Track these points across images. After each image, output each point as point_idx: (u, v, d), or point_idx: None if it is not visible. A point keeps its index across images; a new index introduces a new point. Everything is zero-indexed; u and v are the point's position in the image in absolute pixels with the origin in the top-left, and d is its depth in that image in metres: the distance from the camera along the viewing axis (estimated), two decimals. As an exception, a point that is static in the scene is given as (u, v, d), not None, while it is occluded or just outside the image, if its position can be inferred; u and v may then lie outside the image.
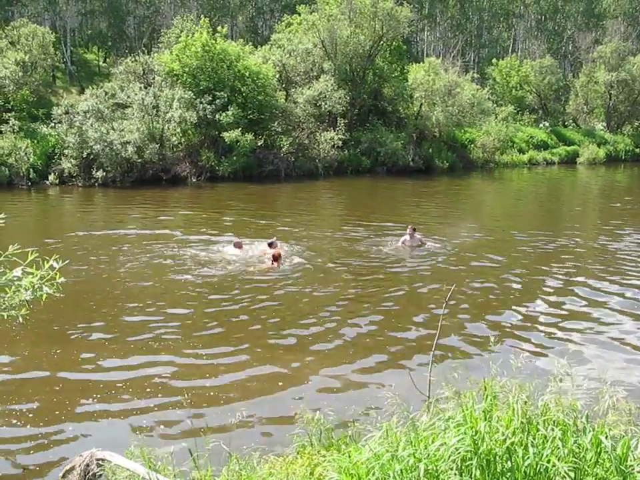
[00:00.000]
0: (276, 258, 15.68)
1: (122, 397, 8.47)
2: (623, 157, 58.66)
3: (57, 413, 8.06)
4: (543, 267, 16.14)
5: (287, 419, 7.60)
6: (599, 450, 4.20)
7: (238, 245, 17.00)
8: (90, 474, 5.46)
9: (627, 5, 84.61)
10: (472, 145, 47.86)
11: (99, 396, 8.49)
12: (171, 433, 7.43)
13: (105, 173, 31.41)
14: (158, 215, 23.94)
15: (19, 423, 7.77)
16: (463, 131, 48.84)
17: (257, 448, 5.79)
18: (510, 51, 77.93)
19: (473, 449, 4.05)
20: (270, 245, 16.96)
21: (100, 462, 5.35)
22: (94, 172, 31.37)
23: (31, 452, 7.18)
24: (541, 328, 11.55)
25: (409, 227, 17.97)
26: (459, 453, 4.05)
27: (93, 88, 35.92)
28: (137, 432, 5.81)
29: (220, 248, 17.39)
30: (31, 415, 7.97)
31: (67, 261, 5.41)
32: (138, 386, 8.81)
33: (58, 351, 9.99)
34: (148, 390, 8.71)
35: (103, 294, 13.33)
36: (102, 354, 9.92)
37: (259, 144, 36.09)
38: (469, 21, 78.42)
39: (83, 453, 5.56)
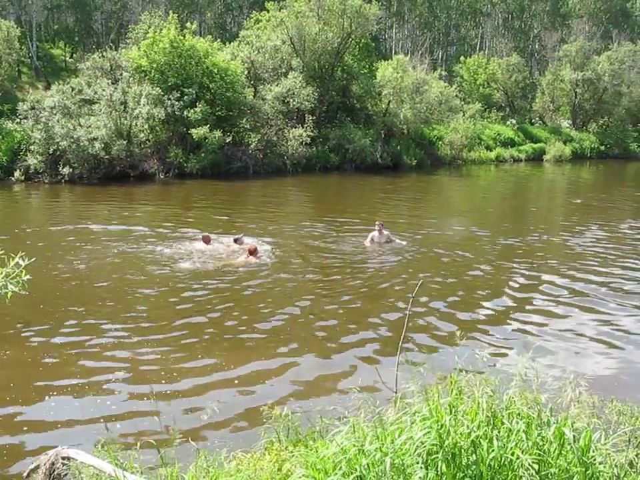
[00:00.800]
0: (252, 252, 15.64)
1: (86, 396, 8.37)
2: (589, 155, 59.46)
3: (18, 413, 7.95)
4: (508, 263, 16.31)
5: (255, 415, 7.60)
6: (561, 442, 4.27)
7: (206, 240, 16.91)
8: (55, 473, 5.40)
9: (592, 6, 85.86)
10: (440, 142, 48.14)
11: (62, 395, 8.39)
12: (138, 430, 7.38)
13: (71, 170, 31.00)
14: (125, 211, 23.76)
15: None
16: (430, 128, 49.11)
17: (225, 444, 5.78)
18: (477, 48, 78.60)
19: (438, 443, 4.09)
20: (235, 240, 16.93)
21: (65, 460, 5.30)
22: (60, 168, 30.96)
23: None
24: (506, 323, 11.68)
25: (377, 222, 18.01)
26: (425, 446, 4.09)
27: (59, 83, 35.44)
28: (103, 430, 5.76)
29: (188, 243, 17.32)
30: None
31: (33, 259, 5.35)
32: (102, 384, 8.73)
33: (7, 352, 9.80)
34: (112, 387, 8.64)
35: (63, 291, 13.16)
36: (61, 353, 9.79)
37: (227, 141, 35.94)
38: (437, 19, 78.87)
39: (48, 452, 5.51)
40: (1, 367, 9.32)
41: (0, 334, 10.58)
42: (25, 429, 7.59)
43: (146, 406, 7.88)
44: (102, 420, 7.63)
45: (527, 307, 12.65)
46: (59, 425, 7.70)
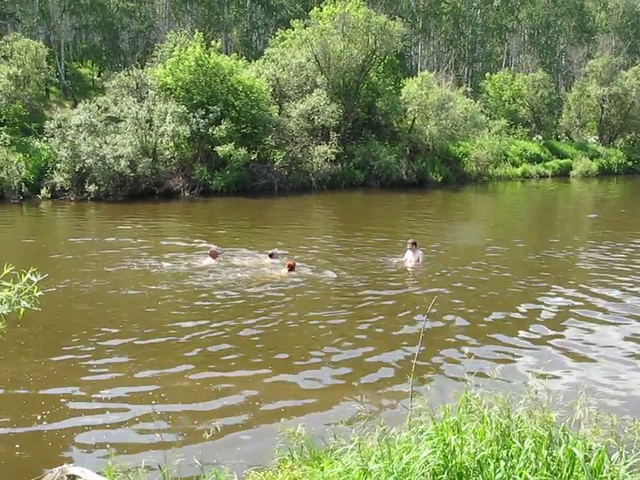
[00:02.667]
0: (292, 267, 15.89)
1: (93, 413, 8.30)
2: (616, 170, 59.06)
3: (27, 428, 7.92)
4: (530, 282, 16.09)
5: (266, 433, 7.53)
6: (572, 462, 4.17)
7: (213, 254, 16.91)
8: (60, 490, 5.38)
9: (618, 21, 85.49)
10: (465, 159, 47.94)
11: (69, 412, 8.32)
12: (142, 448, 7.25)
13: (97, 187, 31.34)
14: (150, 228, 23.88)
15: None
16: (456, 144, 48.94)
17: (233, 463, 5.73)
18: (503, 64, 78.31)
19: (443, 463, 4.02)
20: (271, 255, 17.03)
21: (70, 478, 5.28)
22: (86, 186, 31.32)
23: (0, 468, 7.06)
24: (519, 342, 11.47)
25: (409, 241, 17.68)
26: (430, 466, 4.02)
27: (86, 102, 35.87)
28: (108, 448, 5.71)
29: (200, 259, 17.30)
30: None
31: (45, 275, 5.37)
32: (108, 401, 8.66)
33: (27, 368, 9.81)
34: (118, 405, 8.55)
35: (76, 308, 13.20)
36: (73, 368, 9.78)
37: (252, 158, 36.08)
38: (463, 36, 78.80)
39: (54, 469, 5.49)
40: (20, 383, 9.30)
41: (25, 350, 10.57)
42: (30, 446, 7.56)
43: (150, 424, 7.79)
44: (107, 438, 7.57)
45: (542, 326, 12.42)
46: (64, 443, 7.64)
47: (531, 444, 4.19)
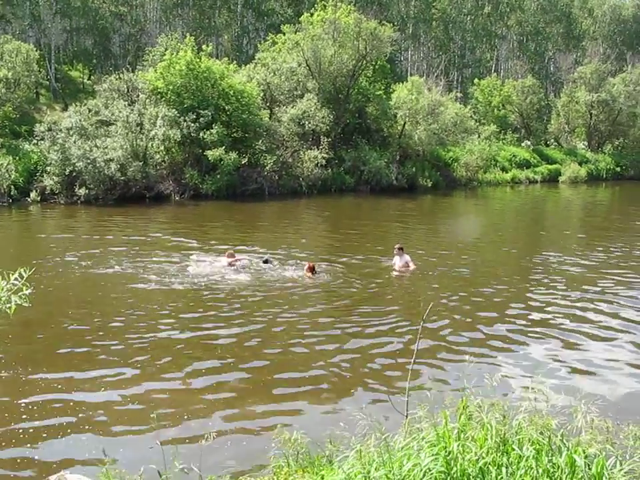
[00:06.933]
0: (312, 269, 16.21)
1: (90, 420, 8.26)
2: (604, 176, 59.36)
3: (23, 435, 7.86)
4: (521, 284, 16.15)
5: (261, 440, 7.51)
6: (573, 469, 4.18)
7: (230, 256, 17.14)
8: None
9: (606, 28, 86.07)
10: (455, 164, 48.06)
11: (66, 419, 8.27)
12: (140, 456, 7.22)
13: (87, 191, 31.26)
14: (141, 232, 23.75)
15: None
16: (446, 149, 49.12)
17: (229, 470, 5.70)
18: (492, 70, 78.63)
19: (445, 470, 4.02)
20: (265, 261, 17.31)
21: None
22: (76, 189, 31.23)
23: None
24: (517, 347, 11.47)
25: (396, 246, 17.70)
26: (432, 473, 4.01)
27: (76, 105, 35.77)
28: (106, 454, 5.64)
29: (211, 260, 17.53)
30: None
31: (32, 269, 5.32)
32: (106, 408, 8.61)
33: (22, 373, 9.75)
34: (116, 411, 8.51)
35: (77, 311, 13.19)
36: (70, 373, 9.75)
37: (243, 162, 36.00)
38: (453, 41, 79.10)
39: (51, 477, 5.45)
40: (15, 388, 9.23)
41: (22, 353, 10.52)
42: (36, 451, 7.52)
43: (148, 431, 7.75)
44: (105, 445, 7.49)
45: (538, 330, 12.42)
46: (65, 449, 7.59)
47: (531, 451, 4.20)
